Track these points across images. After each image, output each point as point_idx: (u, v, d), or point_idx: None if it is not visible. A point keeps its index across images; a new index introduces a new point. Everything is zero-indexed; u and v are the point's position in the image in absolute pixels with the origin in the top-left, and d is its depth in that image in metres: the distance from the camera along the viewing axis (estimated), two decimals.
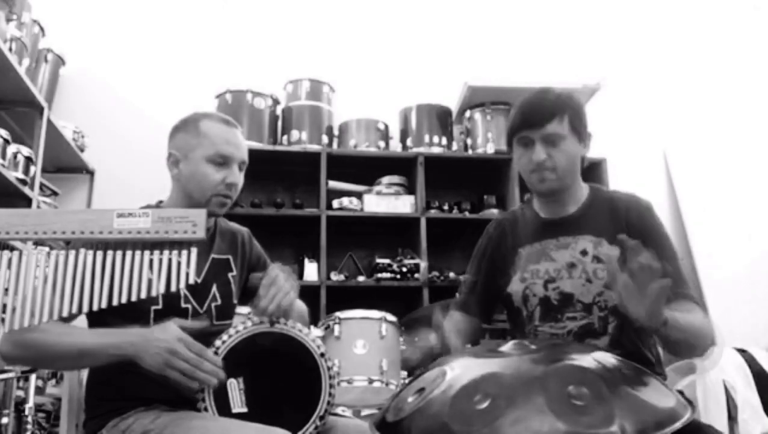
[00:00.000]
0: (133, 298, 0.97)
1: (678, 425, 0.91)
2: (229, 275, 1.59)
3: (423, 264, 3.29)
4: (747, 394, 2.82)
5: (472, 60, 3.91)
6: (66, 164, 3.43)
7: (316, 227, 3.28)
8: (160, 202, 1.60)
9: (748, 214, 3.68)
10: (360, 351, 2.15)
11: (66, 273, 0.96)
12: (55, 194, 3.32)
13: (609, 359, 1.05)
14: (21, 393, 2.36)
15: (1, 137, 2.51)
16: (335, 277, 3.32)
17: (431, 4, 4.11)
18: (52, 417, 2.59)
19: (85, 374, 1.52)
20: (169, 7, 3.86)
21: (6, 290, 0.94)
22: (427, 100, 3.65)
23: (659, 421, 0.91)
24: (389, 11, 4.04)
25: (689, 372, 3.04)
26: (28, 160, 2.69)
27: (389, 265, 3.31)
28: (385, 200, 3.41)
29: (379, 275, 3.29)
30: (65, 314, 0.96)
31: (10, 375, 2.03)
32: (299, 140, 3.44)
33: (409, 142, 3.60)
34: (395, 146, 3.68)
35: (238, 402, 1.31)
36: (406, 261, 3.33)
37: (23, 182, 2.65)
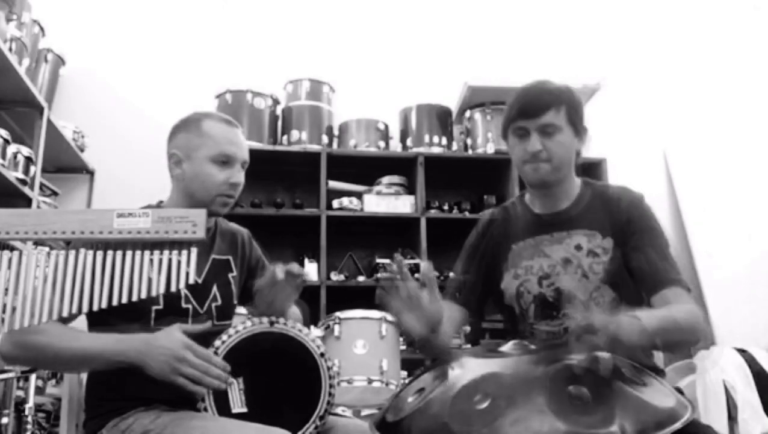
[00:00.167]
0: (134, 298, 0.97)
1: (678, 425, 0.92)
2: (230, 275, 1.59)
3: (423, 264, 3.28)
4: (747, 394, 2.82)
5: (472, 60, 3.91)
6: (66, 164, 3.43)
7: (316, 227, 3.28)
8: (161, 202, 1.60)
9: (748, 214, 3.68)
10: (360, 351, 2.16)
11: (66, 273, 0.96)
12: (55, 194, 3.32)
13: (609, 359, 1.05)
14: (21, 393, 2.36)
15: (1, 137, 2.51)
16: (335, 277, 3.33)
17: (431, 4, 4.10)
18: (52, 417, 2.59)
19: (85, 374, 1.53)
20: (169, 7, 3.86)
21: (6, 290, 0.94)
22: (427, 100, 3.66)
23: (659, 421, 0.91)
24: (389, 11, 4.04)
25: (689, 372, 3.04)
26: (28, 160, 2.69)
27: (389, 265, 3.30)
28: (385, 200, 3.41)
29: (379, 275, 3.29)
30: (65, 314, 0.95)
31: (10, 375, 2.03)
32: (299, 140, 3.44)
33: (409, 142, 3.60)
34: (395, 146, 3.68)
35: (238, 402, 1.32)
36: (406, 261, 3.33)
37: (23, 182, 2.65)
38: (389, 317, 2.23)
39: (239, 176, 1.52)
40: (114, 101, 3.62)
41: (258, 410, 1.31)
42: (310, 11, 3.97)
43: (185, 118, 1.57)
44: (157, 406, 1.39)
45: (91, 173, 3.55)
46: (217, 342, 1.33)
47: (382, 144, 3.54)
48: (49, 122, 2.96)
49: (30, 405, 2.23)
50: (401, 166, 3.53)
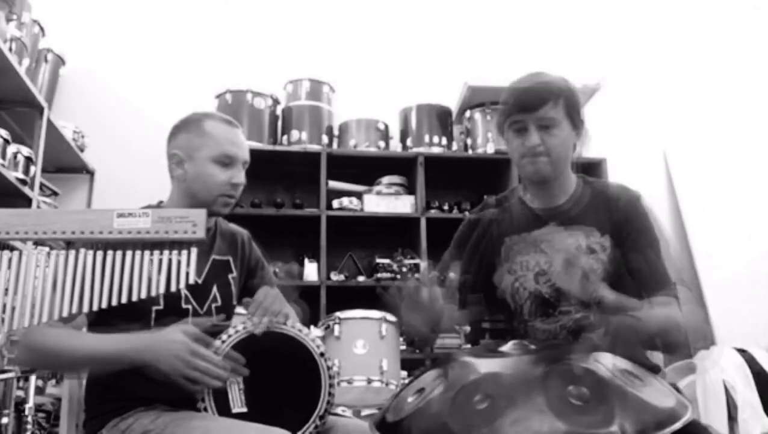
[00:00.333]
0: (134, 298, 0.97)
1: (678, 425, 0.92)
2: (230, 276, 1.59)
3: (423, 264, 3.29)
4: (747, 394, 2.82)
5: (472, 60, 3.91)
6: (66, 164, 3.43)
7: (316, 227, 3.28)
8: (161, 202, 1.60)
9: (748, 214, 3.68)
10: (360, 351, 2.15)
11: (66, 273, 0.96)
12: (55, 194, 3.32)
13: (609, 359, 1.05)
14: (21, 393, 2.36)
15: (1, 137, 2.51)
16: (335, 277, 3.33)
17: (431, 4, 4.11)
18: (52, 417, 2.59)
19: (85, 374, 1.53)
20: (169, 7, 3.86)
21: (6, 290, 0.94)
22: (427, 100, 3.66)
23: (659, 421, 0.91)
24: (389, 11, 4.04)
25: (689, 372, 3.04)
26: (28, 160, 2.69)
27: (389, 265, 3.31)
28: (385, 200, 3.41)
29: (379, 275, 3.29)
30: (65, 314, 0.95)
31: (10, 375, 2.03)
32: (299, 140, 3.44)
33: (409, 142, 3.60)
34: (395, 146, 3.68)
35: (238, 402, 1.32)
36: (406, 261, 3.33)
37: (23, 182, 2.65)
38: (389, 317, 2.23)
39: (240, 176, 1.53)
40: (114, 101, 3.62)
41: (258, 410, 1.31)
42: (310, 11, 3.97)
43: (186, 118, 1.56)
44: (157, 406, 1.39)
45: (91, 173, 3.55)
46: (217, 342, 1.33)
47: (382, 144, 3.54)
48: (49, 122, 2.96)
49: (30, 405, 2.23)
50: (401, 166, 3.53)
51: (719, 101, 4.04)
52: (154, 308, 1.43)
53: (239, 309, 1.65)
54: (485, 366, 1.05)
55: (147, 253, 0.98)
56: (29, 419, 2.21)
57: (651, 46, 4.18)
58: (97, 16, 3.75)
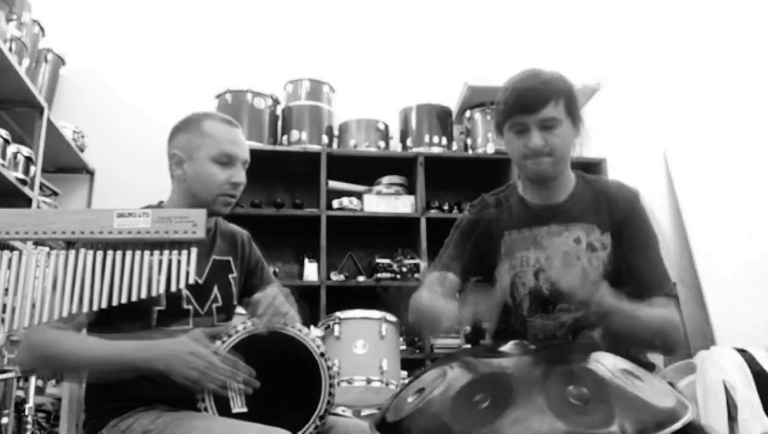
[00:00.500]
0: (134, 298, 0.97)
1: (678, 425, 0.91)
2: (230, 276, 1.60)
3: (423, 264, 3.29)
4: (747, 394, 2.82)
5: (472, 60, 3.91)
6: (66, 164, 3.43)
7: (316, 227, 3.28)
8: (161, 202, 1.60)
9: (748, 214, 3.68)
10: (360, 351, 2.16)
11: (66, 273, 0.96)
12: (55, 194, 3.32)
13: (609, 359, 1.05)
14: (21, 393, 2.36)
15: (1, 137, 2.51)
16: (335, 277, 3.33)
17: (431, 4, 4.10)
18: (52, 417, 2.59)
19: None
20: (169, 7, 3.86)
21: (6, 290, 0.94)
22: (427, 100, 3.65)
23: (659, 421, 0.91)
24: (389, 11, 4.04)
25: (689, 372, 3.04)
26: (28, 160, 2.69)
27: (389, 265, 3.31)
28: (385, 200, 3.41)
29: (379, 275, 3.29)
30: (65, 314, 0.95)
31: (10, 375, 2.03)
32: (299, 140, 3.44)
33: (409, 142, 3.60)
34: (395, 146, 3.68)
35: (238, 402, 1.32)
36: (406, 261, 3.33)
37: (23, 182, 2.65)
38: (389, 317, 2.23)
39: (240, 176, 1.53)
40: (114, 101, 3.62)
41: (258, 410, 1.31)
42: (310, 11, 3.97)
43: (185, 118, 1.56)
44: (157, 406, 1.39)
45: (91, 173, 3.55)
46: (218, 343, 1.33)
47: (382, 144, 3.54)
48: (49, 122, 2.96)
49: (30, 405, 2.23)
50: (401, 166, 3.53)
51: (719, 101, 4.04)
52: (156, 308, 1.43)
53: (239, 309, 1.66)
54: (485, 366, 1.05)
55: (147, 253, 0.98)
56: (29, 419, 2.21)
57: (651, 46, 4.18)
58: (97, 16, 3.75)
